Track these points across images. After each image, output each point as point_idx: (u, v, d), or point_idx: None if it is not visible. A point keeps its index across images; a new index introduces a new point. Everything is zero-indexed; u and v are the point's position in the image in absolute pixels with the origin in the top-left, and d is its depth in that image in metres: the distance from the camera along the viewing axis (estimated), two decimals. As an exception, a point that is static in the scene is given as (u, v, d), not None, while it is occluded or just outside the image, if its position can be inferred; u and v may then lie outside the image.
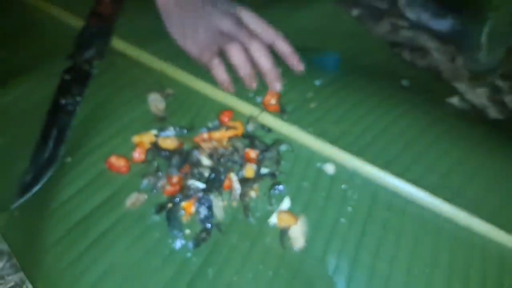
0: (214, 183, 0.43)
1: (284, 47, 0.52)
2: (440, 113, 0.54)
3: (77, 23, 0.59)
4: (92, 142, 0.46)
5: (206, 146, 0.45)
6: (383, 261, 0.40)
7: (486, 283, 0.40)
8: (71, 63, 0.52)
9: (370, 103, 0.51)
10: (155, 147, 0.45)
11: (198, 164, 0.44)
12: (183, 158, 0.44)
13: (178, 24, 0.53)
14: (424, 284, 0.39)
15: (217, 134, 0.47)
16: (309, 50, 0.59)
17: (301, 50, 0.55)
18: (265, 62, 0.50)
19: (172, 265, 0.39)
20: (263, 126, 0.49)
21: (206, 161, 0.44)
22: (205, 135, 0.47)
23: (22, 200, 0.42)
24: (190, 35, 0.51)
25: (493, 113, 0.64)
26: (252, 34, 0.51)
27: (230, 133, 0.47)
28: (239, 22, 0.51)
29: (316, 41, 0.61)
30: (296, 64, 0.53)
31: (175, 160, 0.44)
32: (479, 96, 0.67)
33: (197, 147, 0.46)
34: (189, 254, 0.40)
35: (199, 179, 0.43)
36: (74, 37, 0.56)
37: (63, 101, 0.48)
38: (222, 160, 0.45)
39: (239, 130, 0.47)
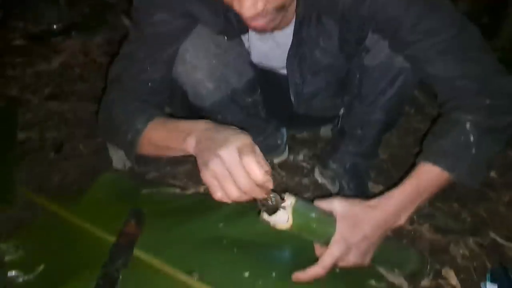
0: None
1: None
2: None
3: (107, 237, 0.86)
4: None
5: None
6: None
7: None
8: (104, 272, 0.76)
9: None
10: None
11: None
12: None
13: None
14: None
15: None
16: (268, 246, 0.85)
17: (264, 246, 0.81)
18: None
19: None
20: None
21: None
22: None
23: None
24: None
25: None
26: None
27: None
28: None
29: (273, 238, 0.88)
30: None
31: None
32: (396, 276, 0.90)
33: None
34: None
35: None
36: (106, 248, 0.81)
37: (97, 301, 0.71)
38: None
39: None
